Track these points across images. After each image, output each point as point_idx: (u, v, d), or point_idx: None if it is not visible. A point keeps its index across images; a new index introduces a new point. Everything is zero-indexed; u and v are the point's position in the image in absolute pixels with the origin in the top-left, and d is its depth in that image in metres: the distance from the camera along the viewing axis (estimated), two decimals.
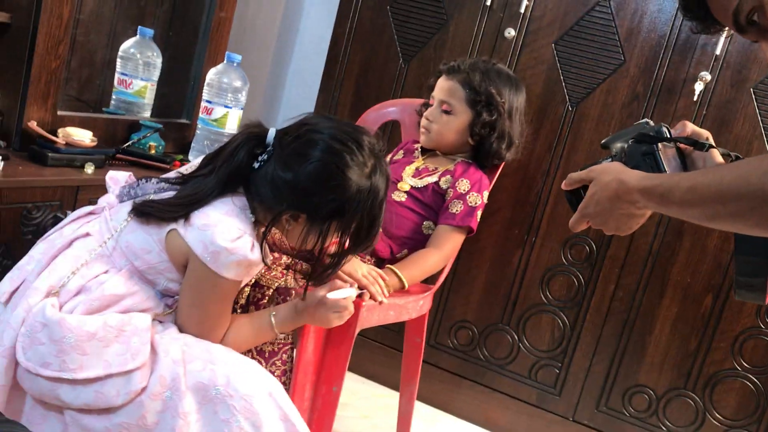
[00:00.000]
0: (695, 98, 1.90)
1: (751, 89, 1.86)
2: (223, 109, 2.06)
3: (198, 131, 2.10)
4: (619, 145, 1.04)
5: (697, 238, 1.93)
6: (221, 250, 1.15)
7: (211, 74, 2.06)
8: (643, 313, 2.00)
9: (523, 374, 2.14)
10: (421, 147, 1.75)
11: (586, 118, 2.01)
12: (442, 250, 1.60)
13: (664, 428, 2.01)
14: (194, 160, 1.37)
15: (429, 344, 2.18)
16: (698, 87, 1.89)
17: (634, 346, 2.02)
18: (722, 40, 1.86)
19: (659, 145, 0.99)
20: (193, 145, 2.12)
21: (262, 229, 1.26)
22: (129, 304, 1.20)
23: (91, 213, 1.33)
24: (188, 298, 1.22)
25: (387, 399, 2.18)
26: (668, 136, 1.01)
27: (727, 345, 1.93)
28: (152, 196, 1.26)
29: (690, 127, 1.05)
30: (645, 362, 2.01)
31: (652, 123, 1.05)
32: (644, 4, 1.94)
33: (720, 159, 1.03)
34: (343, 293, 1.28)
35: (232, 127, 2.10)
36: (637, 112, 1.96)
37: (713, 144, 1.03)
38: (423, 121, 1.71)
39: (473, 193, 1.62)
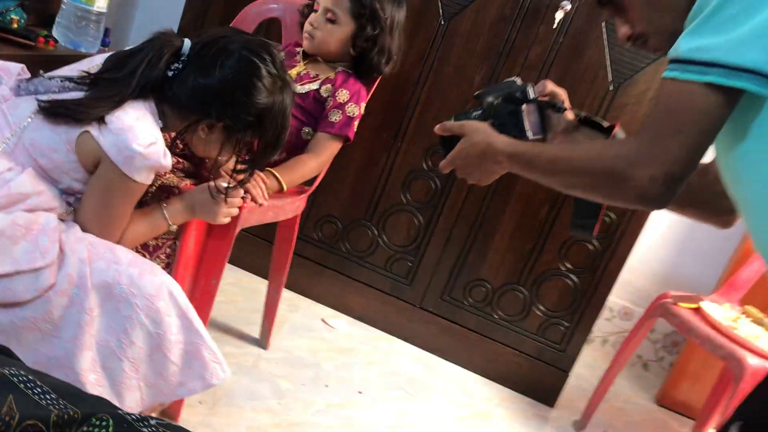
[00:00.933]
0: (555, 25, 2.07)
1: (603, 23, 2.06)
2: None
3: (64, 6, 2.00)
4: (490, 99, 1.17)
5: None
6: (136, 155, 1.19)
7: None
8: (489, 217, 2.24)
9: (380, 266, 2.34)
10: (303, 51, 1.79)
11: (456, 33, 2.13)
12: (320, 157, 1.70)
13: (496, 316, 2.31)
14: (95, 59, 1.35)
15: (297, 236, 2.31)
16: (559, 15, 2.05)
17: (478, 246, 2.27)
18: None
19: (524, 105, 1.13)
20: (58, 20, 2.01)
21: (172, 135, 1.30)
22: (35, 203, 1.21)
23: None
24: (96, 199, 1.25)
25: (253, 285, 2.31)
26: (531, 97, 1.15)
27: (555, 248, 2.23)
28: (58, 95, 1.24)
29: (550, 87, 1.20)
30: (486, 260, 2.28)
31: (519, 81, 1.19)
32: None
33: (571, 116, 1.20)
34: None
35: (101, 5, 2.02)
36: (503, 32, 2.11)
37: (566, 107, 1.19)
38: (307, 26, 1.75)
39: (352, 103, 1.71)
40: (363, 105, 1.75)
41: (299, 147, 1.73)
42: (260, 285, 2.21)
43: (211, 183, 1.36)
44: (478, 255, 2.28)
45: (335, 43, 1.72)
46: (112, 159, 1.19)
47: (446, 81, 2.17)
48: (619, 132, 1.15)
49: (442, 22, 2.13)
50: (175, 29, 2.26)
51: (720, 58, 0.81)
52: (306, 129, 1.74)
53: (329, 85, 1.72)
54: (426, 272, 2.32)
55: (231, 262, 2.35)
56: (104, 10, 2.03)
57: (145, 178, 1.24)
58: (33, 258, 1.17)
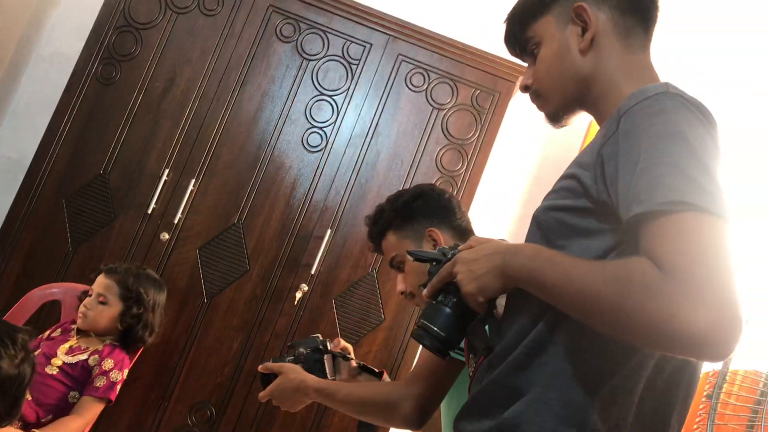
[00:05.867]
0: (296, 302, 2.62)
1: (333, 300, 2.65)
2: None
3: None
4: (300, 349, 1.60)
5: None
6: None
7: None
8: None
9: None
10: (77, 328, 2.15)
11: (217, 309, 2.61)
12: (84, 417, 1.99)
13: None
14: None
15: None
16: (298, 294, 2.62)
17: None
18: (317, 262, 2.64)
19: (325, 355, 1.59)
20: None
21: None
22: None
23: None
24: None
25: None
26: (329, 349, 1.62)
27: None
28: None
29: (342, 343, 1.68)
30: None
31: (321, 337, 1.65)
32: (266, 229, 2.66)
33: (354, 365, 1.65)
34: None
35: None
36: (256, 308, 2.62)
37: (351, 357, 1.67)
38: (81, 308, 2.13)
39: (116, 370, 2.06)
40: (126, 371, 2.10)
41: (66, 410, 2.01)
42: None
43: None
44: None
45: (104, 321, 2.11)
46: None
47: (208, 348, 2.59)
48: (386, 377, 1.66)
49: (205, 300, 2.61)
50: None
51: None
52: (72, 393, 2.03)
53: (97, 356, 2.07)
54: None
55: None
56: None
57: None
58: None
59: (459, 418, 1.02)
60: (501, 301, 1.05)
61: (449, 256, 1.07)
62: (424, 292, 1.08)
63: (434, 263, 1.11)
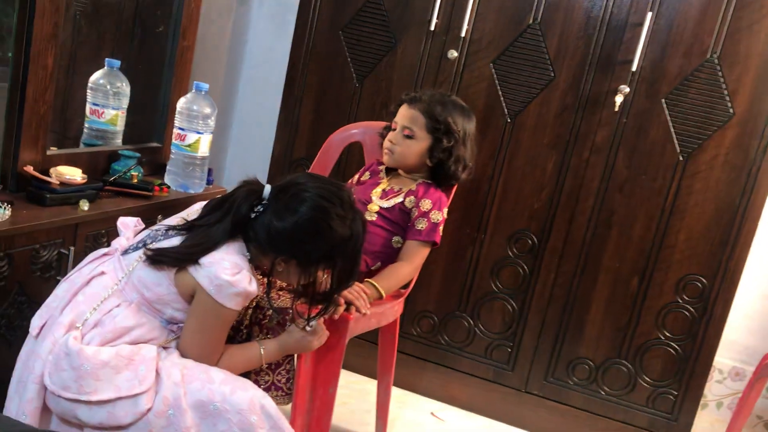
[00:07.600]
0: (616, 109, 2.18)
1: (663, 100, 2.16)
2: (196, 135, 2.21)
3: (172, 156, 2.26)
4: None
5: (623, 228, 2.24)
6: (224, 284, 1.36)
7: (182, 103, 2.21)
8: (581, 295, 2.30)
9: (479, 354, 2.43)
10: (386, 168, 1.97)
11: (523, 128, 2.28)
12: (412, 263, 1.85)
13: (603, 392, 2.33)
14: (194, 206, 1.57)
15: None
16: (618, 99, 2.17)
17: (574, 324, 2.32)
18: (637, 57, 2.14)
19: None
20: (168, 168, 2.27)
21: (257, 265, 1.47)
22: (137, 334, 1.38)
23: (105, 254, 1.52)
24: (192, 325, 1.41)
25: (361, 385, 2.43)
26: None
27: (651, 319, 2.25)
28: (162, 243, 1.44)
29: None
30: (584, 337, 2.32)
31: None
32: (569, 25, 2.20)
33: None
34: (313, 323, 1.52)
35: (204, 150, 2.27)
36: (568, 121, 2.24)
37: None
38: (386, 143, 1.93)
39: (435, 211, 1.86)
40: (445, 210, 1.90)
41: (392, 255, 1.88)
42: (368, 385, 2.33)
43: (297, 326, 1.52)
44: (576, 333, 2.33)
45: (413, 156, 1.89)
46: (205, 288, 1.35)
47: (519, 172, 2.30)
48: None
49: (508, 120, 2.29)
50: (268, 159, 2.53)
51: None
52: (395, 238, 1.89)
53: (412, 197, 1.89)
54: (526, 356, 2.38)
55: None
56: (207, 154, 2.28)
57: (235, 304, 1.38)
58: (132, 385, 1.32)
59: None
60: None
61: None
62: None
63: None
